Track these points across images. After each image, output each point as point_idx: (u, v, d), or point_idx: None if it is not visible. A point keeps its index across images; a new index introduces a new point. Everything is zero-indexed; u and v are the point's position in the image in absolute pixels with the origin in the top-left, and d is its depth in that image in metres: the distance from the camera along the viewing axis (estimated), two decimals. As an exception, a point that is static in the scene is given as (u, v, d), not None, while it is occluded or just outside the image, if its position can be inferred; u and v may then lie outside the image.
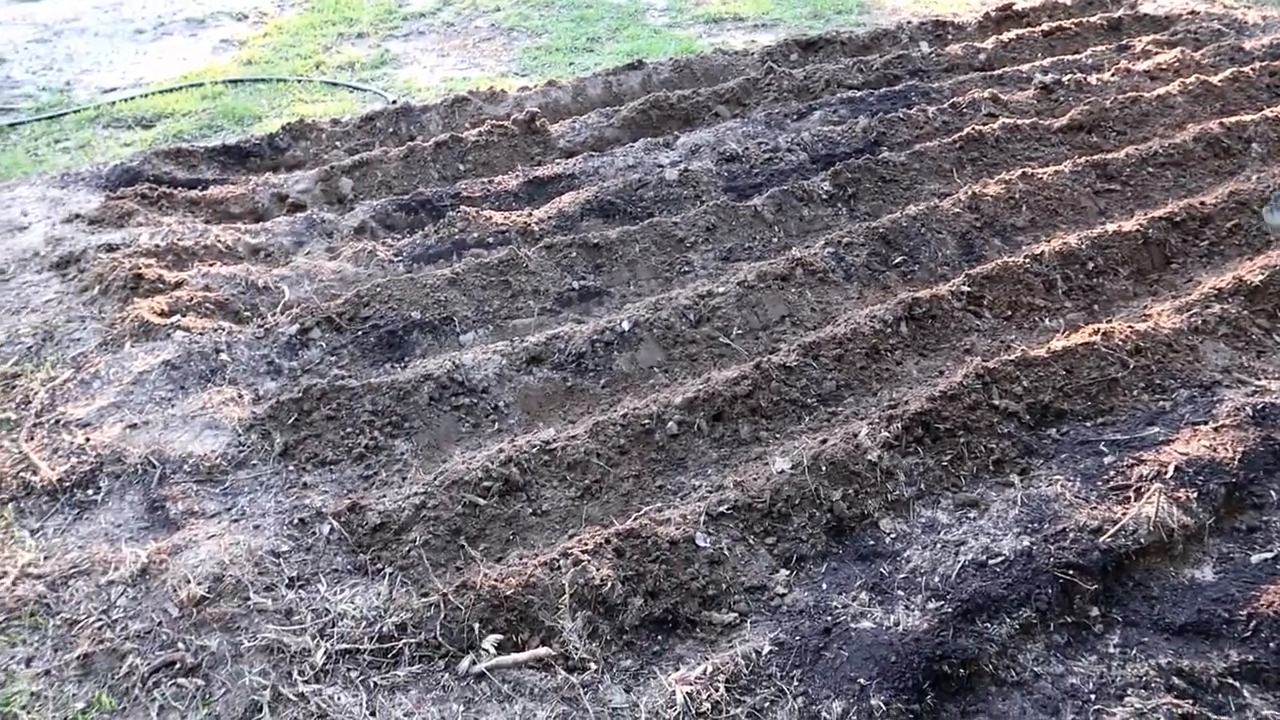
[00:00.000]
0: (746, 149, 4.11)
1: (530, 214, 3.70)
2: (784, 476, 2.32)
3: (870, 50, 5.47)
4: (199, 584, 2.00)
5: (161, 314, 2.99)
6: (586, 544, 2.13)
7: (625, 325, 2.92)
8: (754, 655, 1.94)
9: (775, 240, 3.52)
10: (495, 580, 2.03)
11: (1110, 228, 3.39)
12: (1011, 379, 2.62)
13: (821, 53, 5.42)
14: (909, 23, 5.87)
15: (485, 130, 4.31)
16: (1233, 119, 4.24)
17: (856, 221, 3.59)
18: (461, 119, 4.62)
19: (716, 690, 1.85)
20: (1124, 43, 5.50)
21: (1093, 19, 5.91)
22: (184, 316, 2.99)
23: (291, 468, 2.45)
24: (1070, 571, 2.07)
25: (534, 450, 2.42)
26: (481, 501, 2.30)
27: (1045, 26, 5.73)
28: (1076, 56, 5.26)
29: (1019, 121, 4.23)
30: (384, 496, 2.33)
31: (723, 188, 3.86)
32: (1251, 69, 4.83)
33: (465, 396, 2.69)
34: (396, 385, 2.66)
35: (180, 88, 5.19)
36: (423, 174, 4.09)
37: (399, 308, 3.06)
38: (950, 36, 5.73)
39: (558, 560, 2.09)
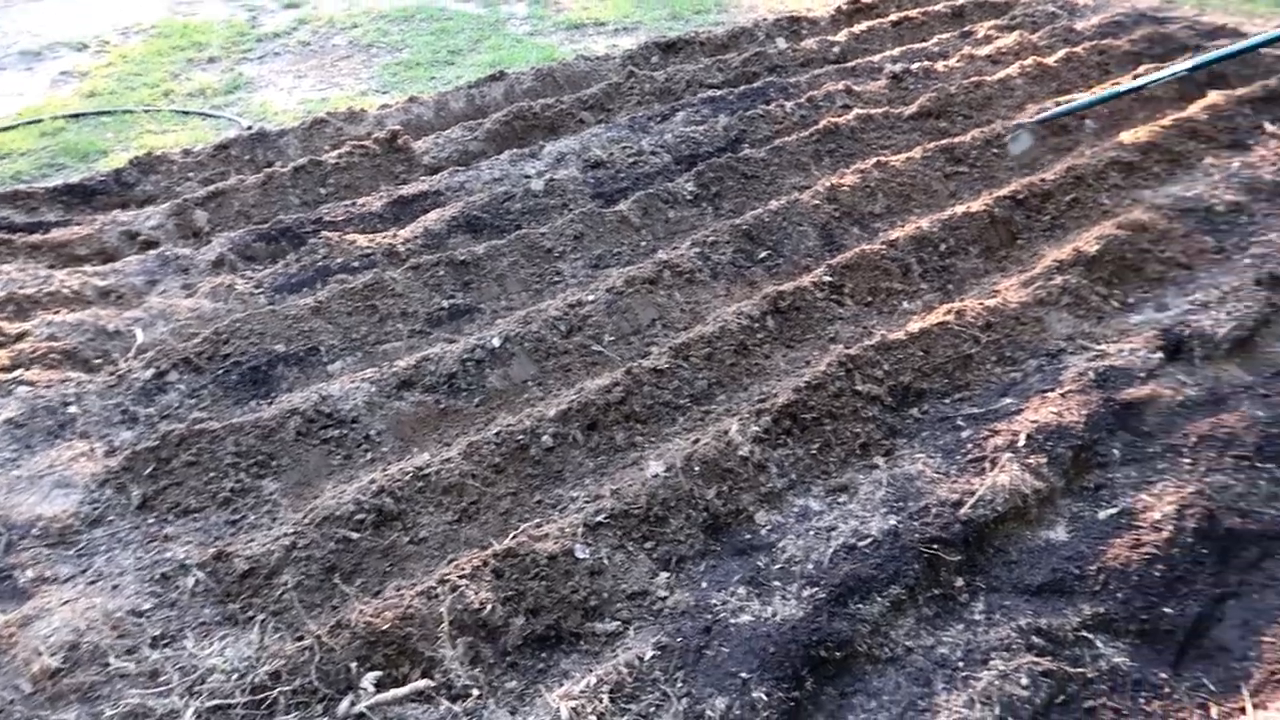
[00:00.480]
0: (611, 154, 4.13)
1: (396, 235, 3.64)
2: (659, 480, 2.35)
3: (729, 49, 5.57)
4: (52, 655, 1.90)
5: (2, 369, 2.83)
6: (464, 568, 2.11)
7: (496, 341, 2.91)
8: (637, 662, 1.96)
9: (643, 244, 3.55)
10: (372, 616, 2.00)
11: (960, 209, 3.53)
12: (873, 364, 2.71)
13: (682, 54, 5.49)
14: (765, 20, 5.99)
15: (346, 151, 4.22)
16: (1067, 97, 4.48)
17: (721, 220, 3.65)
18: (321, 141, 4.51)
19: (601, 702, 1.86)
20: (967, 29, 5.74)
21: (938, 7, 6.14)
22: (27, 370, 2.84)
23: (151, 520, 2.35)
24: (935, 545, 2.15)
25: (407, 477, 2.38)
26: (355, 535, 2.25)
27: (894, 17, 5.93)
28: (924, 45, 5.46)
29: (872, 111, 4.37)
30: (252, 541, 2.26)
31: (590, 195, 3.87)
32: (1083, 49, 5.10)
33: (335, 428, 2.63)
34: (261, 423, 2.58)
35: (16, 126, 4.91)
36: (282, 201, 3.98)
37: (261, 342, 2.97)
38: (805, 31, 5.87)
39: (435, 588, 2.06)
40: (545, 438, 2.55)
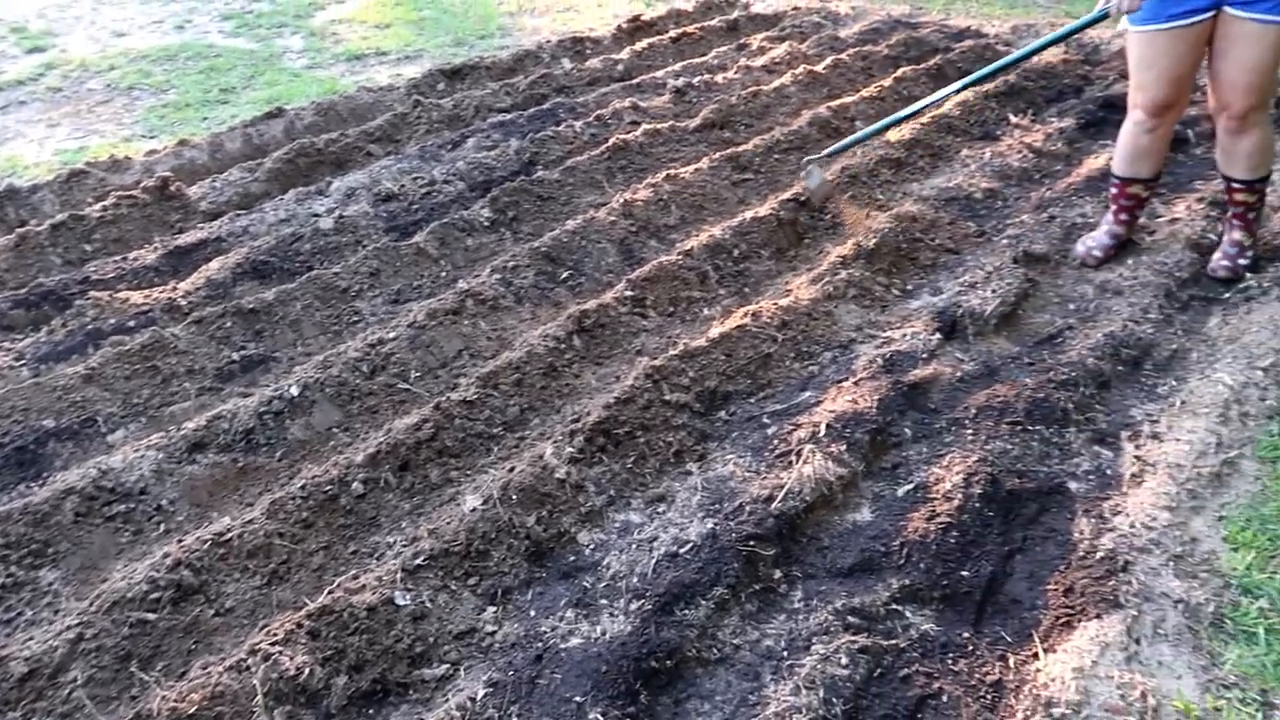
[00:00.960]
0: (403, 186, 4.05)
1: (175, 288, 3.42)
2: (477, 513, 2.30)
3: (516, 72, 5.58)
4: None
5: None
6: (277, 634, 1.99)
7: (295, 390, 2.77)
8: (469, 703, 1.91)
9: (443, 274, 3.49)
10: (176, 701, 1.85)
11: (749, 214, 3.68)
12: (679, 372, 2.77)
13: (468, 79, 5.45)
14: (550, 42, 6.04)
15: (111, 203, 3.92)
16: (837, 102, 4.76)
17: (520, 244, 3.64)
18: (82, 194, 4.18)
19: (434, 750, 1.80)
20: (742, 41, 6.00)
21: (713, 22, 6.39)
22: None
23: (-93, 632, 2.10)
24: (751, 542, 2.22)
25: (206, 546, 2.23)
26: (152, 616, 2.09)
27: (673, 33, 6.12)
28: (704, 59, 5.67)
29: (659, 126, 4.49)
30: (31, 639, 2.05)
31: (383, 229, 3.78)
32: (848, 55, 5.44)
33: (120, 503, 2.43)
34: (32, 509, 2.35)
35: None
36: (41, 262, 3.66)
37: (27, 419, 2.71)
38: (589, 51, 5.97)
39: (246, 660, 1.94)
40: (355, 484, 2.45)
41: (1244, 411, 2.56)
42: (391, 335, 3.01)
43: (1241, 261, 3.17)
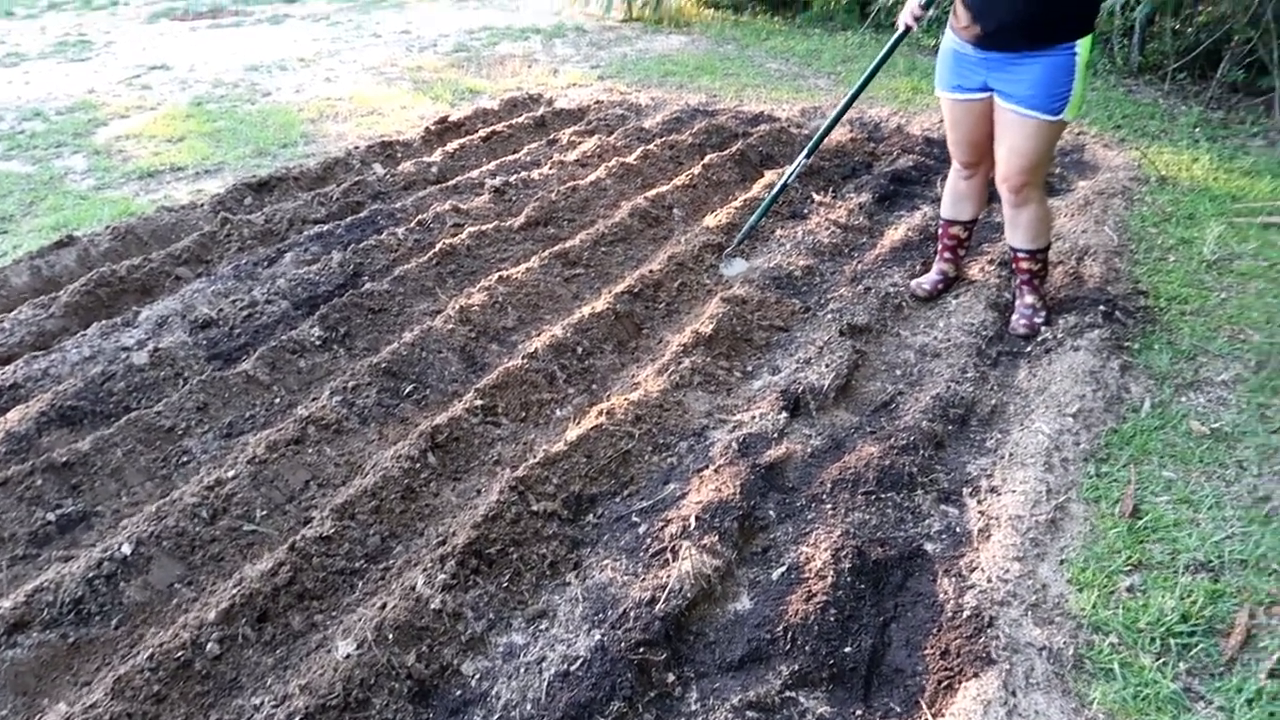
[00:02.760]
0: (221, 310, 3.85)
1: (-32, 447, 3.08)
2: (351, 660, 2.18)
3: (326, 181, 5.46)
4: None
5: None
6: (140, 834, 1.79)
7: (126, 548, 2.55)
8: None
9: (278, 401, 3.33)
10: None
11: (586, 310, 3.73)
12: (542, 480, 2.74)
13: (277, 191, 5.28)
14: (357, 147, 5.96)
15: (-121, 358, 3.51)
16: (653, 191, 4.94)
17: (357, 360, 3.53)
18: None
19: None
20: (552, 137, 6.14)
21: (521, 120, 6.51)
22: None
23: None
24: (641, 649, 2.20)
25: (42, 743, 1.99)
26: (-17, 838, 1.83)
27: (483, 133, 6.18)
28: (516, 156, 5.75)
29: (483, 227, 4.50)
30: None
31: (205, 358, 3.56)
32: (656, 145, 5.67)
33: (-72, 708, 2.14)
34: None
35: None
36: None
37: None
38: (400, 155, 5.94)
39: None
40: (210, 645, 2.26)
41: (1064, 458, 2.80)
42: (230, 474, 2.83)
43: (1037, 320, 3.51)
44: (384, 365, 3.37)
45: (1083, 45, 3.03)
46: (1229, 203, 4.74)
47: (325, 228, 4.70)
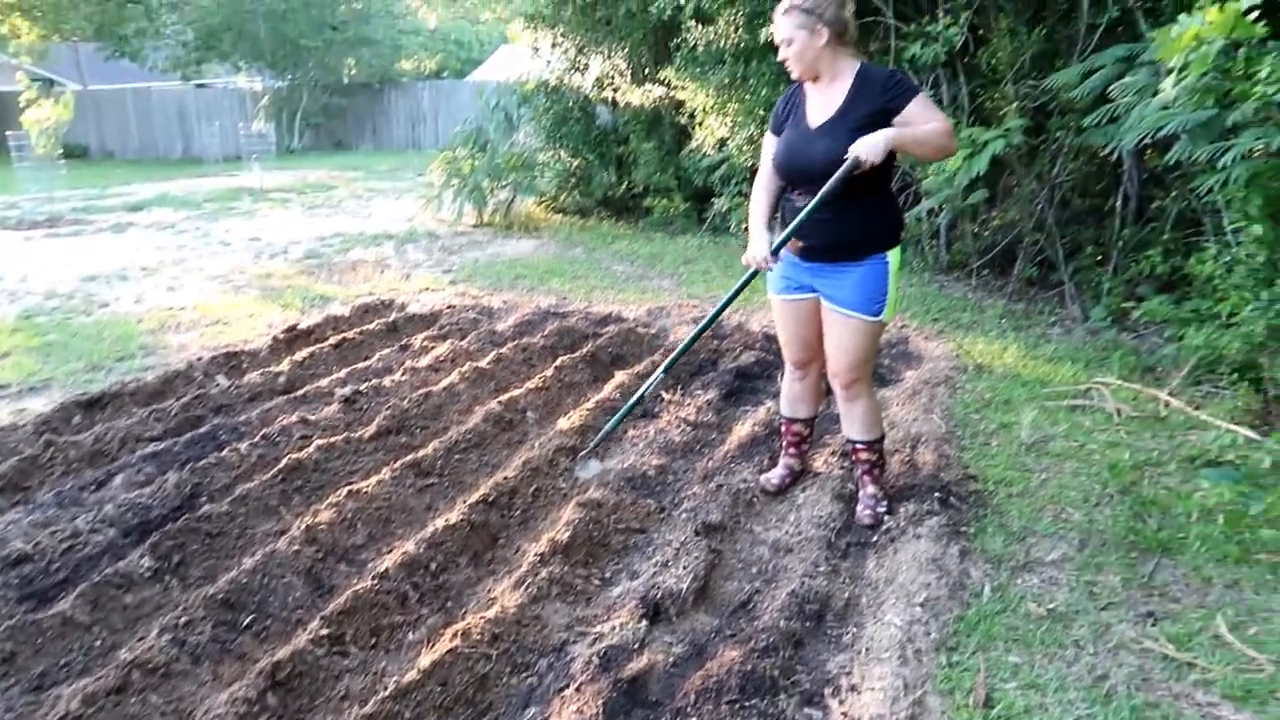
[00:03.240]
0: (38, 543, 3.55)
1: None
2: None
3: (165, 395, 5.26)
4: None
5: None
6: None
7: (-99, 839, 2.21)
8: None
9: (98, 644, 3.05)
10: None
11: (439, 522, 3.65)
12: (394, 715, 2.58)
13: (110, 408, 5.05)
14: (200, 358, 5.82)
15: None
16: (506, 395, 4.99)
17: (191, 591, 3.30)
18: None
19: None
20: (404, 342, 6.18)
21: (373, 326, 6.54)
22: None
23: None
24: None
25: None
26: None
27: (333, 340, 6.16)
28: (368, 363, 5.73)
29: (332, 439, 4.40)
30: None
31: (16, 599, 3.25)
32: (508, 348, 5.78)
33: None
34: None
35: None
36: None
37: None
38: (246, 365, 5.81)
39: None
40: None
41: (916, 649, 2.87)
42: (36, 736, 2.53)
43: (880, 509, 3.68)
44: (221, 596, 3.16)
45: (893, 255, 3.37)
46: (1038, 387, 5.18)
47: (161, 446, 4.49)
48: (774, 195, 3.52)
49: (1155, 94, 4.84)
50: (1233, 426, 4.33)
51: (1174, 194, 6.16)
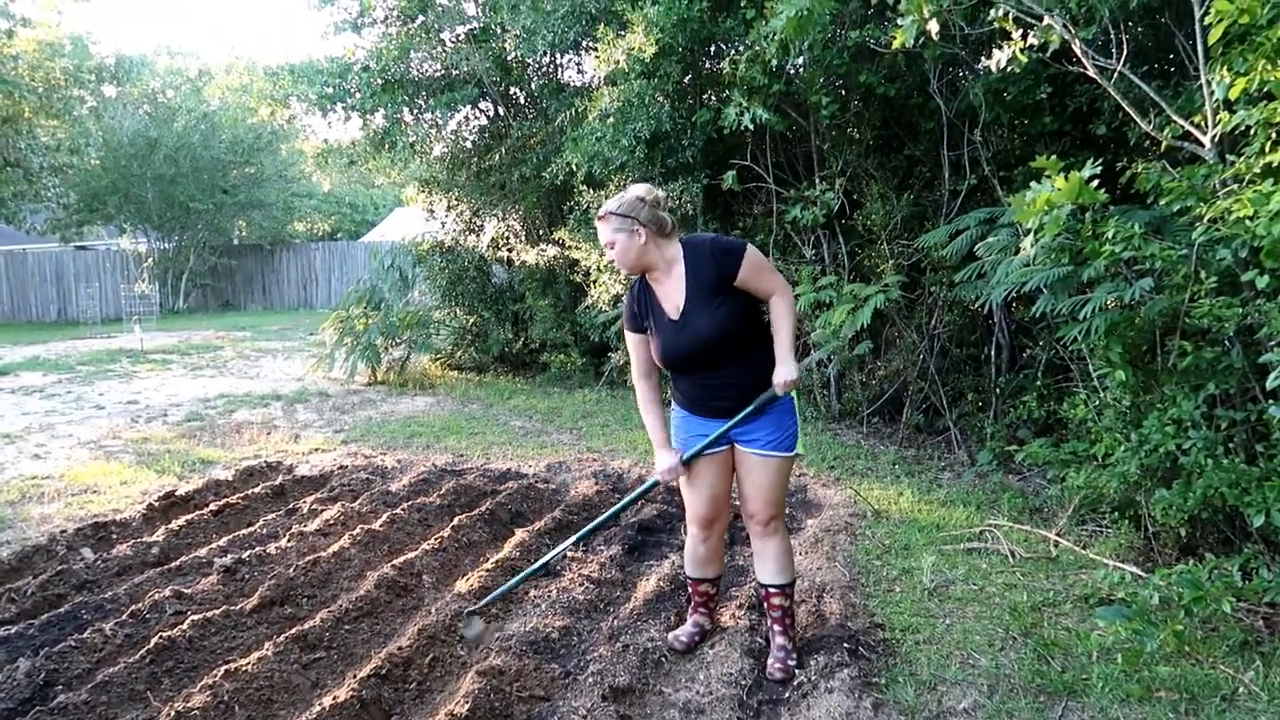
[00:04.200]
0: None
1: None
2: None
3: (22, 572, 4.84)
4: None
5: None
6: None
7: None
8: None
9: None
10: None
11: (326, 700, 3.38)
12: None
13: (-44, 589, 4.59)
14: (64, 531, 5.40)
15: None
16: (401, 558, 4.77)
17: (38, 796, 2.93)
18: None
19: None
20: (292, 506, 5.89)
21: (258, 490, 6.24)
22: None
23: None
24: None
25: None
26: None
27: (214, 505, 5.84)
28: (252, 529, 5.42)
29: (209, 614, 4.09)
30: None
31: None
32: (402, 509, 5.58)
33: None
34: None
35: None
36: None
37: None
38: (116, 536, 5.42)
39: None
40: None
41: (837, 813, 2.74)
42: None
43: (790, 662, 3.61)
44: (73, 800, 2.82)
45: (794, 392, 3.56)
46: (935, 532, 5.27)
47: (14, 629, 4.08)
48: (657, 393, 3.68)
49: (1017, 252, 5.22)
50: (1119, 564, 4.47)
51: (1042, 343, 6.56)
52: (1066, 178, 4.12)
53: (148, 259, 27.21)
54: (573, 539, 4.02)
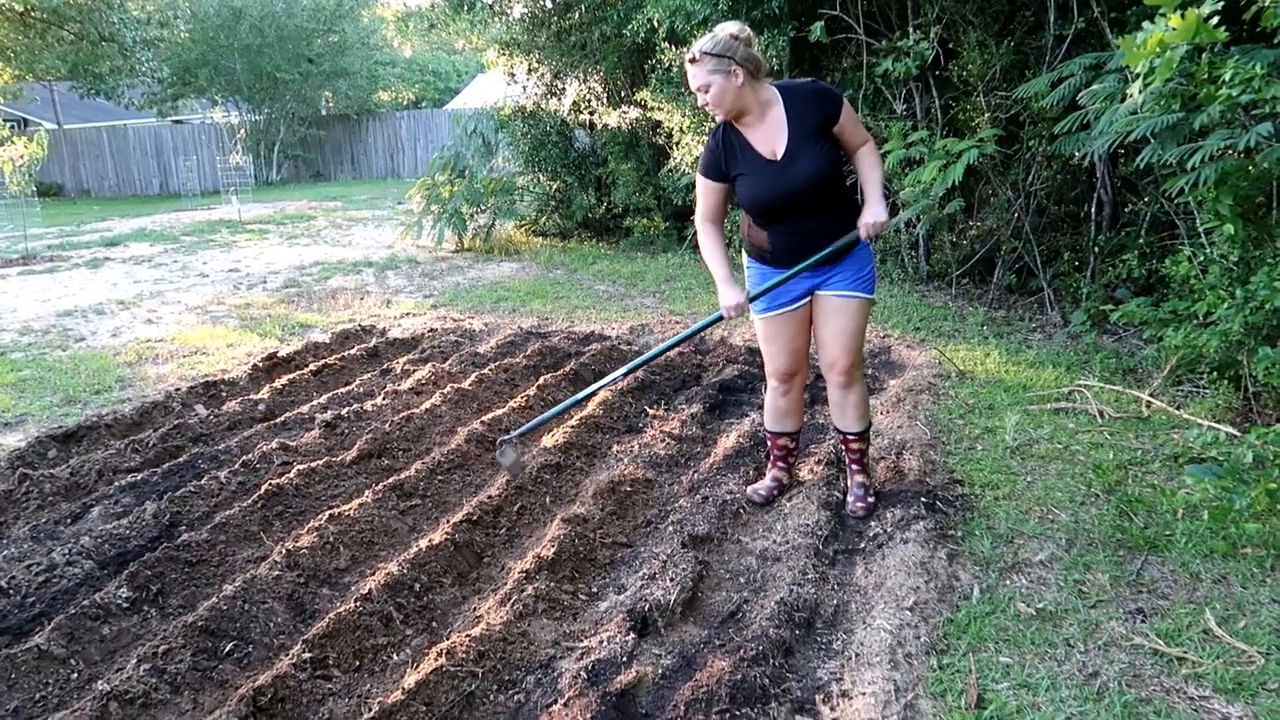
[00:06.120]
0: (13, 577, 3.48)
1: None
2: None
3: (143, 426, 5.20)
4: None
5: None
6: None
7: None
8: None
9: (75, 677, 2.98)
10: None
11: (423, 543, 3.60)
12: (378, 738, 2.53)
13: (86, 441, 4.98)
14: (179, 389, 5.76)
15: None
16: (489, 415, 4.96)
17: (171, 621, 3.24)
18: None
19: None
20: (385, 367, 6.14)
21: (354, 351, 6.50)
22: None
23: None
24: None
25: None
26: None
27: (314, 366, 6.12)
28: (349, 388, 5.69)
29: (313, 464, 4.35)
30: None
31: (-10, 634, 3.18)
32: (490, 370, 5.76)
33: None
34: None
35: None
36: None
37: None
38: (225, 394, 5.76)
39: None
40: None
41: (907, 653, 2.84)
42: (11, 772, 2.47)
43: (870, 499, 3.75)
44: (201, 624, 3.10)
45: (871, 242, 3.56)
46: (1021, 392, 5.19)
47: (139, 477, 4.43)
48: (723, 236, 3.61)
49: (1123, 100, 4.89)
50: (1214, 424, 4.35)
51: (1147, 198, 6.22)
52: (1183, 15, 3.81)
53: (240, 131, 27.71)
54: (624, 369, 4.03)
